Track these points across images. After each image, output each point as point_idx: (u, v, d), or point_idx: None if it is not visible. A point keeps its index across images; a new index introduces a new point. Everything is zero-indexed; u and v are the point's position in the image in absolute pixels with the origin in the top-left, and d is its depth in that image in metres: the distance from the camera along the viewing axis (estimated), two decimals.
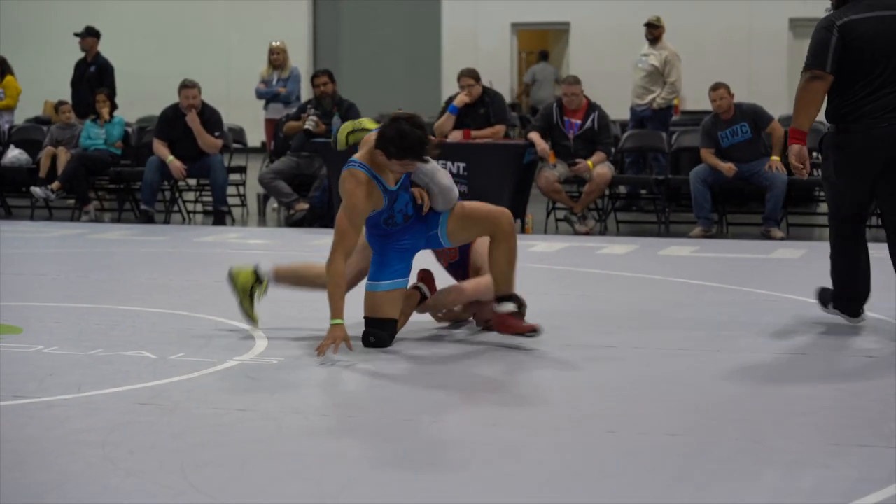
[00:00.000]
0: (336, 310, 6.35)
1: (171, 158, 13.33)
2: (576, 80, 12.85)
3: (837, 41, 6.70)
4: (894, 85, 6.75)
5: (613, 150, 13.07)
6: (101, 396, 5.54)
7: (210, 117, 13.60)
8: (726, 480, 4.37)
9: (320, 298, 7.17)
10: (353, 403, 5.46)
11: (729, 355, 6.49)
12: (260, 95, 15.77)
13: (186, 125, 13.45)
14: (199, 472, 4.43)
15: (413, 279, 6.92)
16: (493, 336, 6.91)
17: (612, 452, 4.72)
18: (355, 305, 6.67)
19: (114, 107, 14.33)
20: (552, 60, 24.31)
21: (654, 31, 14.67)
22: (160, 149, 13.44)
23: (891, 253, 6.96)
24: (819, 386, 5.79)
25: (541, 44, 25.03)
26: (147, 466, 4.51)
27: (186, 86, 13.61)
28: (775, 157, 12.02)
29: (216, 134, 13.54)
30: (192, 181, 14.53)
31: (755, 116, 12.23)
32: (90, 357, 6.36)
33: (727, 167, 12.04)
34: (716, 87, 12.36)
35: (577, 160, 12.54)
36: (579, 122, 12.68)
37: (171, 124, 13.55)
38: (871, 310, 7.69)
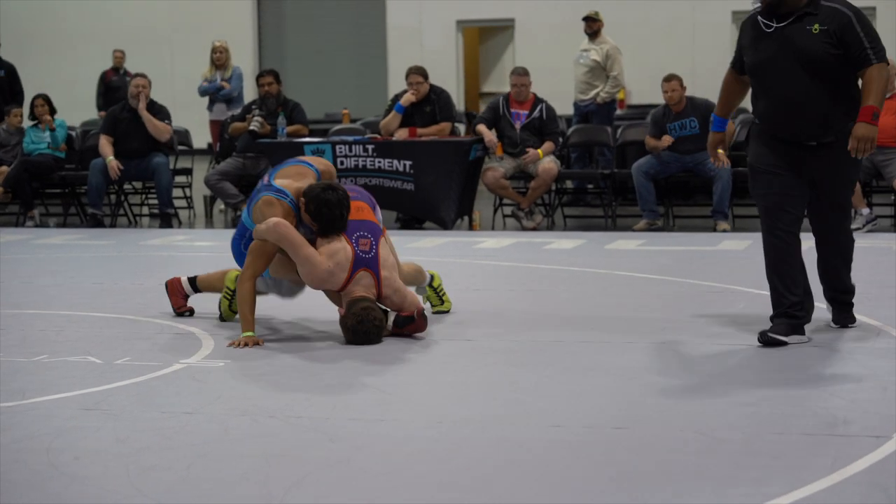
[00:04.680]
0: (247, 323, 6.70)
1: (109, 158, 13.25)
2: (525, 72, 12.92)
3: None
4: None
5: (560, 140, 13.08)
6: (45, 403, 5.50)
7: (158, 112, 13.59)
8: (672, 472, 4.39)
9: (264, 301, 7.15)
10: (300, 404, 5.44)
11: (674, 347, 6.52)
12: (203, 92, 15.72)
13: (132, 122, 13.41)
14: (145, 476, 4.41)
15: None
16: (436, 332, 6.92)
17: (558, 447, 4.73)
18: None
19: (53, 110, 14.22)
20: (493, 56, 24.37)
21: (592, 26, 14.68)
22: (105, 145, 13.37)
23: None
24: (763, 376, 5.82)
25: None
26: (92, 472, 4.49)
27: (136, 75, 13.69)
28: (721, 151, 12.03)
29: (166, 121, 13.54)
30: (138, 184, 14.46)
31: (706, 112, 12.04)
32: (35, 363, 6.31)
33: (665, 139, 12.07)
34: (668, 79, 12.40)
35: (527, 149, 12.57)
36: (526, 112, 12.75)
37: (118, 121, 13.51)
38: (817, 299, 7.76)
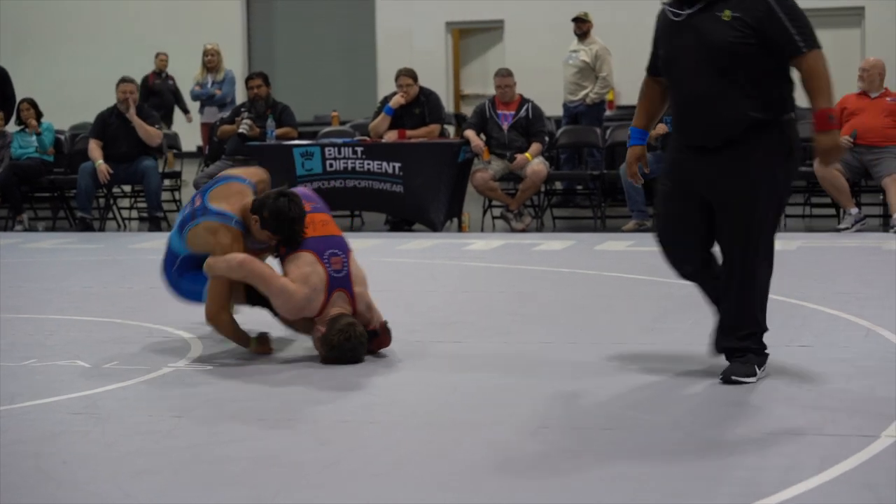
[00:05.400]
0: (244, 339, 6.56)
1: (99, 162, 13.23)
2: (508, 73, 12.94)
3: None
4: None
5: (547, 139, 13.07)
6: (34, 407, 5.49)
7: (146, 114, 13.58)
8: (661, 472, 4.39)
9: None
10: (288, 407, 5.44)
11: (663, 348, 6.52)
12: (196, 97, 15.77)
13: (122, 127, 13.40)
14: (134, 480, 4.40)
15: None
16: (426, 334, 6.92)
17: (545, 448, 4.73)
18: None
19: (39, 114, 14.19)
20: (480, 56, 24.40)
21: (582, 27, 14.70)
22: (94, 149, 13.35)
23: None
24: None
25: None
26: (80, 476, 4.48)
27: (124, 80, 13.64)
28: None
29: (157, 126, 13.53)
30: (127, 187, 14.45)
31: None
32: (23, 368, 6.30)
33: (660, 128, 11.98)
34: None
35: (516, 155, 12.58)
36: (513, 112, 12.79)
37: (107, 125, 13.49)
38: (805, 299, 7.77)
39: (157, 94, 17.74)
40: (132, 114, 13.32)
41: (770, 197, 5.63)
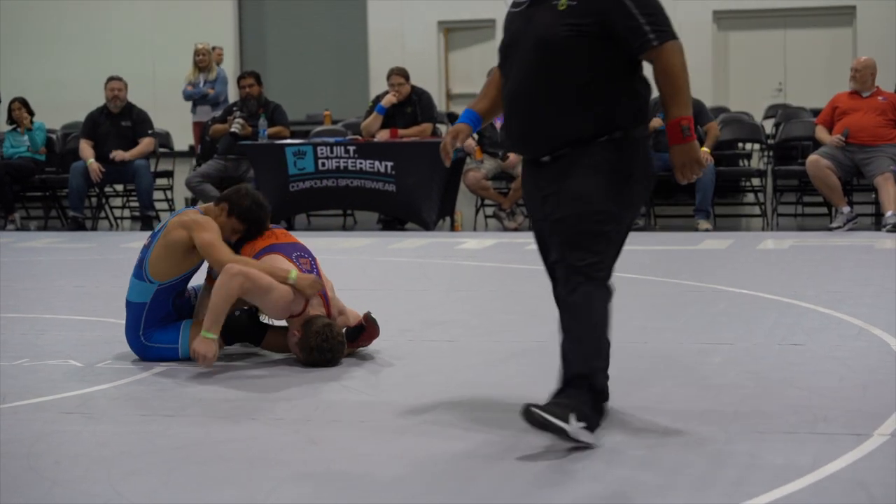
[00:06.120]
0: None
1: (90, 161, 13.21)
2: None
3: None
4: None
5: None
6: (26, 407, 5.49)
7: (139, 117, 13.56)
8: (651, 472, 4.39)
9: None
10: (281, 406, 5.44)
11: (655, 346, 6.53)
12: (188, 97, 15.72)
13: (112, 126, 13.40)
14: (126, 480, 4.40)
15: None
16: (418, 333, 6.92)
17: (538, 447, 4.72)
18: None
19: (31, 113, 14.17)
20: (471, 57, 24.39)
21: None
22: (85, 149, 13.34)
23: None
24: (744, 374, 5.83)
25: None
26: (73, 476, 4.48)
27: (112, 78, 13.61)
28: (705, 149, 12.07)
29: (149, 132, 13.51)
30: (119, 187, 14.44)
31: (697, 109, 11.91)
32: (15, 367, 6.29)
33: (655, 121, 11.91)
34: None
35: (508, 154, 12.58)
36: None
37: (97, 125, 13.47)
38: (797, 298, 7.77)
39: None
40: (122, 155, 13.27)
41: (597, 223, 4.78)
